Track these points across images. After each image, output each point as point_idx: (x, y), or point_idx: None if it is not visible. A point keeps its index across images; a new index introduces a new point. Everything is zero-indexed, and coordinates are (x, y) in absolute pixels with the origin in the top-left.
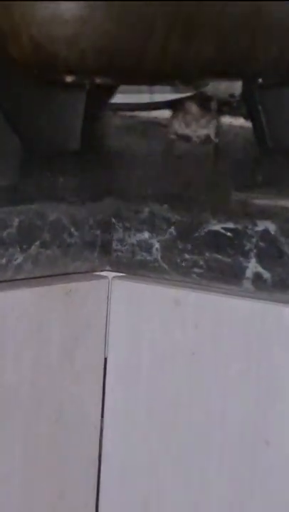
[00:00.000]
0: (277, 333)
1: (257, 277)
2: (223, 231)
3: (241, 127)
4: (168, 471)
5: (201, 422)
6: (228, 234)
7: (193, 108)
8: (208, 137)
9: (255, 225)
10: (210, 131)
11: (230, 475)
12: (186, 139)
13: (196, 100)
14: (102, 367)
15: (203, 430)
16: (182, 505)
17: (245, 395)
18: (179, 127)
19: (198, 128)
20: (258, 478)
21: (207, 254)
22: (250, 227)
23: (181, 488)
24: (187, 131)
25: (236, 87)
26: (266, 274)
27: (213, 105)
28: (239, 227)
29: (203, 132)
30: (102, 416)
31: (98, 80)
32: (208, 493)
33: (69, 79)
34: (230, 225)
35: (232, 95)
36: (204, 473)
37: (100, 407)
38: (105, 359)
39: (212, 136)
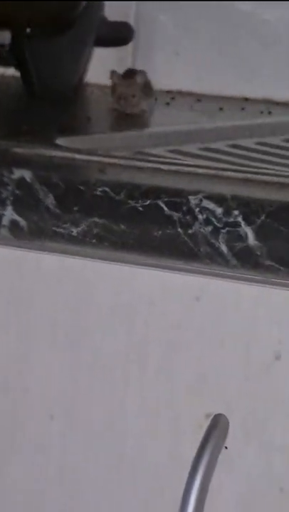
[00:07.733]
0: (36, 279)
1: (14, 225)
2: None
3: (13, 77)
4: None
5: None
6: None
7: None
8: None
9: (12, 172)
10: None
11: None
12: None
13: None
14: None
15: None
16: None
17: (7, 342)
18: None
19: None
20: (19, 426)
21: None
22: (6, 175)
23: None
24: None
25: (6, 36)
26: (22, 222)
27: None
28: None
29: None
30: None
31: None
32: None
33: None
34: None
35: (1, 45)
36: None
37: None
38: None
39: None
